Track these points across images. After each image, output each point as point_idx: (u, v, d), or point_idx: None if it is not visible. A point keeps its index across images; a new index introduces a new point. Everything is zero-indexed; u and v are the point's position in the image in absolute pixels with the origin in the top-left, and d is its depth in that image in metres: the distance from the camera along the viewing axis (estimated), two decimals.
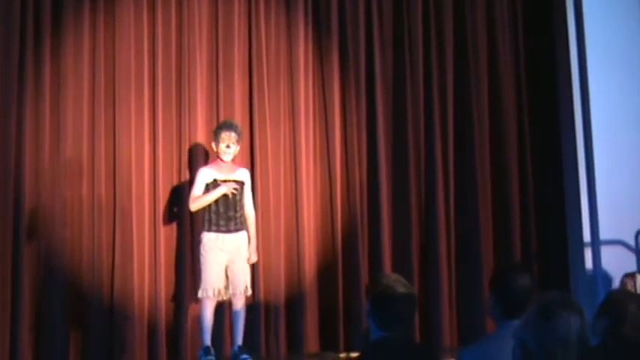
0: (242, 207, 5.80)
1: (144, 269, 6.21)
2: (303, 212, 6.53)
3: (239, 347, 5.66)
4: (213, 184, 5.75)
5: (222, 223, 5.70)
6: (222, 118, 6.39)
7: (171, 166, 6.42)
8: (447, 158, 6.81)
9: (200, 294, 5.67)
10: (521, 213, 6.87)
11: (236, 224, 5.74)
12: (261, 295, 6.23)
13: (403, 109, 6.82)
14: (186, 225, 6.33)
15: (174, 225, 6.36)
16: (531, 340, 2.18)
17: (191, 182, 6.26)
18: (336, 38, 6.79)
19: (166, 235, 6.31)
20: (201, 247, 5.70)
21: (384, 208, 6.65)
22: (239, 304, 5.70)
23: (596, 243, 6.38)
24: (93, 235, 6.18)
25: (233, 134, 5.81)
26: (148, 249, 6.25)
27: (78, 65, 6.32)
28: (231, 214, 5.74)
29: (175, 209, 6.39)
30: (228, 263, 5.69)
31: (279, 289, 6.40)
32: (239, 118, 6.44)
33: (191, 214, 6.11)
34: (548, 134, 6.97)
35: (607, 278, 6.27)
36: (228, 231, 5.70)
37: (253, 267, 5.93)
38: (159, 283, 6.19)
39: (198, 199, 5.73)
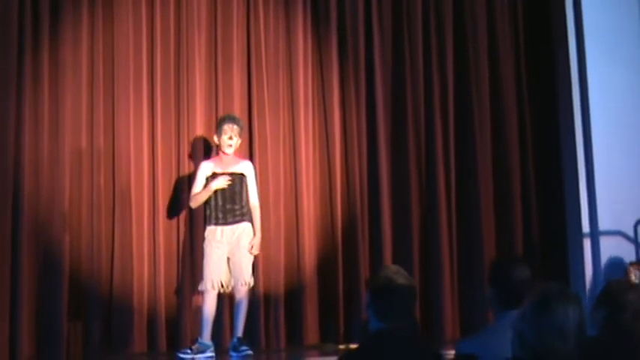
0: (243, 199, 5.82)
1: (143, 261, 6.21)
2: (303, 203, 6.52)
3: (238, 339, 5.68)
4: (213, 178, 5.79)
5: (220, 215, 5.78)
6: (221, 110, 6.41)
7: (170, 158, 6.41)
8: (448, 148, 6.78)
9: (200, 287, 5.74)
10: (522, 204, 6.86)
11: (235, 216, 5.78)
12: (261, 287, 6.23)
13: (403, 99, 6.79)
14: (185, 217, 6.34)
15: (173, 217, 6.36)
16: (529, 331, 2.19)
17: (190, 174, 6.28)
18: (335, 27, 6.75)
19: (165, 226, 6.31)
20: (204, 241, 5.77)
21: (385, 199, 6.63)
22: (241, 296, 5.72)
23: (595, 234, 6.39)
24: (92, 228, 6.18)
25: (235, 127, 5.87)
26: (147, 241, 6.25)
27: (76, 59, 6.29)
28: (229, 206, 5.77)
29: (174, 201, 6.38)
30: (229, 255, 5.73)
31: (278, 281, 6.39)
32: (238, 109, 6.43)
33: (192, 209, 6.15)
34: (547, 126, 6.96)
35: (606, 269, 6.28)
36: (226, 223, 5.76)
37: (254, 258, 5.93)
38: (158, 274, 6.19)
39: (195, 197, 5.85)
